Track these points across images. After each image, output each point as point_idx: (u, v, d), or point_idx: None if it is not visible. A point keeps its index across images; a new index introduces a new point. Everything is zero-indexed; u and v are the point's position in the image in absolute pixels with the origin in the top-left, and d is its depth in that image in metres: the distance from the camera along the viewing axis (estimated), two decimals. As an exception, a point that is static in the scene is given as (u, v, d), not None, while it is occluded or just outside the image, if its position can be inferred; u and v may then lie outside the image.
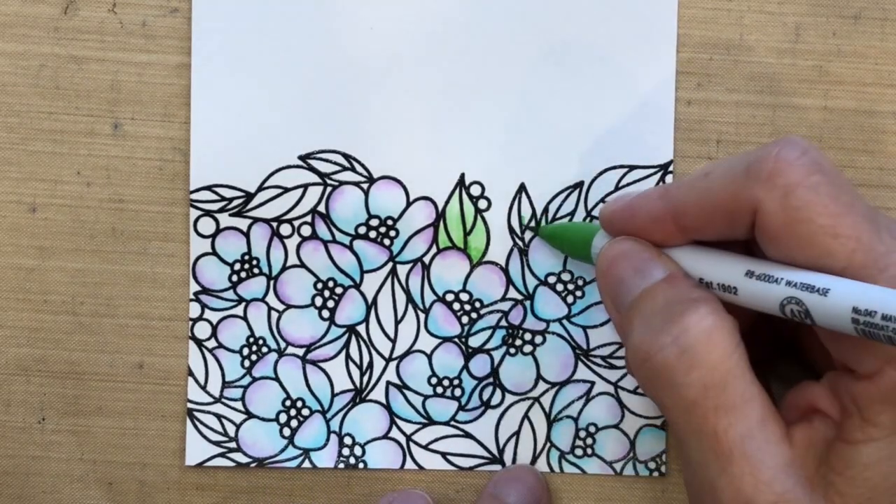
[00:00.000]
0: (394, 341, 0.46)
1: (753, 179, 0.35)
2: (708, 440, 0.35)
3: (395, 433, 0.46)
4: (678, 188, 0.38)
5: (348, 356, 0.46)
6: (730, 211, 0.36)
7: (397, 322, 0.46)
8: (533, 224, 0.45)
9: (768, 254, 0.36)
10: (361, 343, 0.45)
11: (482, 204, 0.45)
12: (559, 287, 0.45)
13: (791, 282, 0.35)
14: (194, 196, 0.45)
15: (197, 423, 0.45)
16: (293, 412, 0.46)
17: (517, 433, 0.46)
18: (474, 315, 0.45)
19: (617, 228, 0.40)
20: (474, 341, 0.46)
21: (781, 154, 0.35)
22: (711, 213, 0.37)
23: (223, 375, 0.46)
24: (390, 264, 0.45)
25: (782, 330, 0.42)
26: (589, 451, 0.46)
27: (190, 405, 0.46)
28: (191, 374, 0.46)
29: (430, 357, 0.46)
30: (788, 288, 0.35)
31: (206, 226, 0.45)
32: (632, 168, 0.45)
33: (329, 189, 0.45)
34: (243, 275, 0.45)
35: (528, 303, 0.45)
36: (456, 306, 0.45)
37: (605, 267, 0.40)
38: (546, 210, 0.45)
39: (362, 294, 0.45)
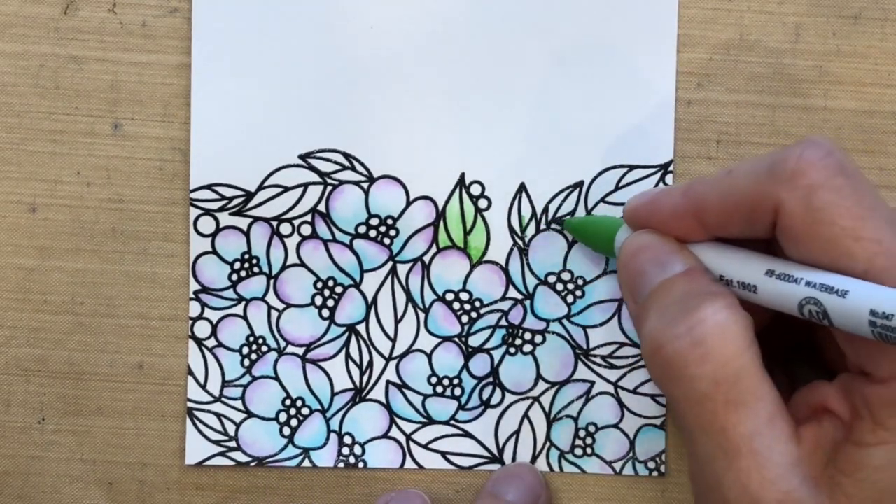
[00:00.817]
0: (394, 341, 0.46)
1: (776, 179, 0.35)
2: (716, 435, 0.35)
3: (394, 432, 0.46)
4: (701, 184, 0.38)
5: (348, 355, 0.46)
6: (751, 209, 0.36)
7: (397, 321, 0.46)
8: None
9: (788, 254, 0.36)
10: (361, 342, 0.46)
11: (482, 203, 0.45)
12: (559, 287, 0.45)
13: (810, 282, 0.35)
14: (194, 195, 0.45)
15: (197, 423, 0.46)
16: (293, 411, 0.46)
17: (517, 433, 0.46)
18: (474, 314, 0.45)
19: (640, 223, 0.40)
20: (474, 341, 0.46)
21: (805, 154, 0.35)
22: (733, 210, 0.37)
23: (223, 375, 0.46)
24: (390, 263, 0.45)
25: (797, 330, 0.42)
26: (589, 450, 0.46)
27: (190, 404, 0.46)
28: (191, 373, 0.46)
29: (429, 356, 0.46)
30: (807, 288, 0.35)
31: (206, 225, 0.45)
32: (632, 168, 0.45)
33: (329, 188, 0.45)
34: (243, 274, 0.45)
35: (527, 302, 0.45)
36: (456, 306, 0.45)
37: (626, 258, 0.40)
38: (546, 209, 0.45)
39: (362, 293, 0.45)
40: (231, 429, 0.46)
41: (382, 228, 0.45)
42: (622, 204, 0.45)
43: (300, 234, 0.45)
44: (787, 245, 0.36)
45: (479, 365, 0.46)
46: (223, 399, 0.46)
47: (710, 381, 0.35)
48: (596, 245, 0.44)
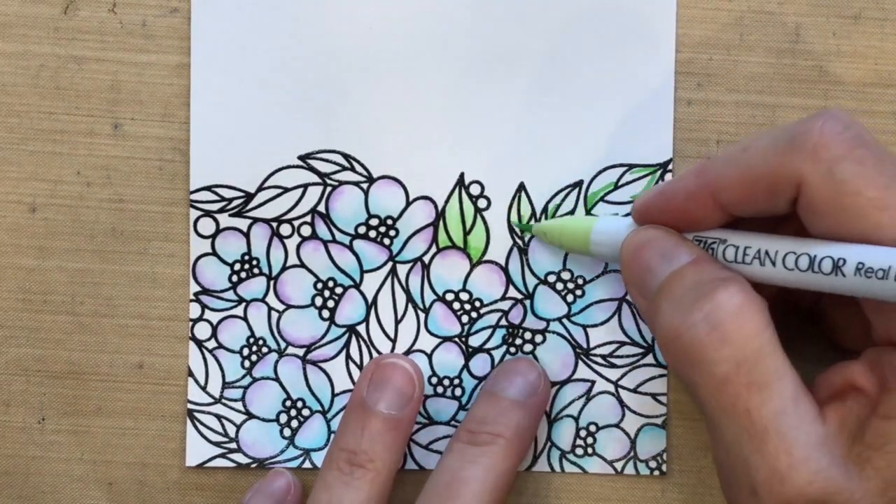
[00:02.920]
0: (394, 341, 0.46)
1: (797, 153, 0.35)
2: (740, 418, 0.35)
3: (395, 433, 0.46)
4: (715, 164, 0.38)
5: (348, 356, 0.45)
6: (771, 185, 0.36)
7: (397, 322, 0.45)
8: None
9: (811, 228, 0.36)
10: (362, 343, 0.45)
11: (482, 203, 0.45)
12: (559, 286, 0.45)
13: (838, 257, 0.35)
14: (194, 196, 0.45)
15: (197, 424, 0.45)
16: (293, 412, 0.46)
17: (517, 433, 0.46)
18: (474, 314, 0.45)
19: (653, 216, 0.40)
20: (474, 341, 0.46)
21: (826, 127, 0.35)
22: (752, 187, 0.37)
23: (223, 376, 0.46)
24: (390, 264, 0.45)
25: (803, 309, 0.42)
26: (589, 450, 0.45)
27: (190, 405, 0.46)
28: (191, 374, 0.45)
29: (430, 357, 0.45)
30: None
31: (206, 226, 0.45)
32: (631, 167, 0.45)
33: (329, 189, 0.45)
34: (243, 275, 0.45)
35: (527, 302, 0.45)
36: (456, 306, 0.45)
37: (630, 255, 0.40)
38: (546, 209, 0.45)
39: (362, 294, 0.45)
40: (231, 430, 0.46)
41: (382, 229, 0.45)
42: (622, 203, 0.45)
43: (300, 234, 0.45)
44: (811, 219, 0.36)
45: (480, 365, 0.46)
46: (223, 400, 0.46)
47: (731, 363, 0.35)
48: (571, 246, 0.44)
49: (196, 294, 0.45)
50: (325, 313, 0.45)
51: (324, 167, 0.45)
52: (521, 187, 0.45)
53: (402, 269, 0.45)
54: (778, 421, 0.35)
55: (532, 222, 0.45)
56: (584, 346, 0.45)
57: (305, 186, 0.45)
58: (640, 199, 0.41)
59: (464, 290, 0.45)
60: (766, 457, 0.35)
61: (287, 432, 0.46)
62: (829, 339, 0.43)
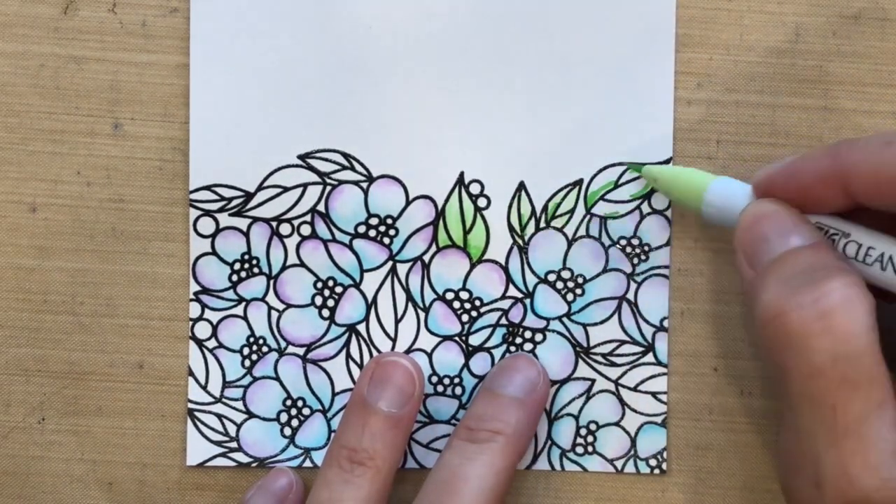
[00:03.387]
0: (394, 340, 0.46)
1: None
2: (824, 411, 0.35)
3: (395, 432, 0.46)
4: (852, 150, 0.38)
5: (349, 355, 0.46)
6: None
7: (397, 321, 0.45)
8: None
9: None
10: (362, 342, 0.45)
11: (482, 202, 0.45)
12: (559, 285, 0.45)
13: None
14: (194, 196, 0.45)
15: (198, 423, 0.45)
16: (294, 412, 0.46)
17: (518, 432, 0.46)
18: (474, 313, 0.45)
19: (776, 188, 0.40)
20: (475, 340, 0.46)
21: None
22: (888, 184, 0.37)
23: (223, 375, 0.46)
24: (390, 263, 0.45)
25: None
26: (590, 448, 0.45)
27: (190, 405, 0.46)
28: (191, 374, 0.45)
29: (430, 356, 0.45)
30: None
31: (206, 226, 0.45)
32: (631, 165, 0.45)
33: (328, 188, 0.45)
34: (243, 274, 0.45)
35: (527, 301, 0.45)
36: (456, 305, 0.45)
37: (748, 222, 0.40)
38: (546, 208, 0.45)
39: (362, 293, 0.45)
40: (232, 429, 0.46)
41: (382, 228, 0.45)
42: (621, 202, 0.45)
43: (300, 234, 0.45)
44: None
45: (480, 364, 0.46)
46: (224, 400, 0.46)
47: (829, 355, 0.35)
48: (679, 197, 0.44)
49: (196, 294, 0.45)
50: (325, 312, 0.45)
51: (323, 166, 0.45)
52: (521, 186, 0.45)
53: (402, 269, 0.45)
54: (860, 423, 0.35)
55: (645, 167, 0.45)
56: (585, 344, 0.45)
57: (305, 186, 0.45)
58: (765, 170, 0.40)
59: (464, 289, 0.45)
60: (841, 455, 0.35)
61: (287, 431, 0.46)
62: None
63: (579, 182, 0.45)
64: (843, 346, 0.35)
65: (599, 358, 0.45)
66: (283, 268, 0.45)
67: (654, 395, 0.45)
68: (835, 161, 0.38)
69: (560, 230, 0.45)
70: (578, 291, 0.45)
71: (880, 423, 0.35)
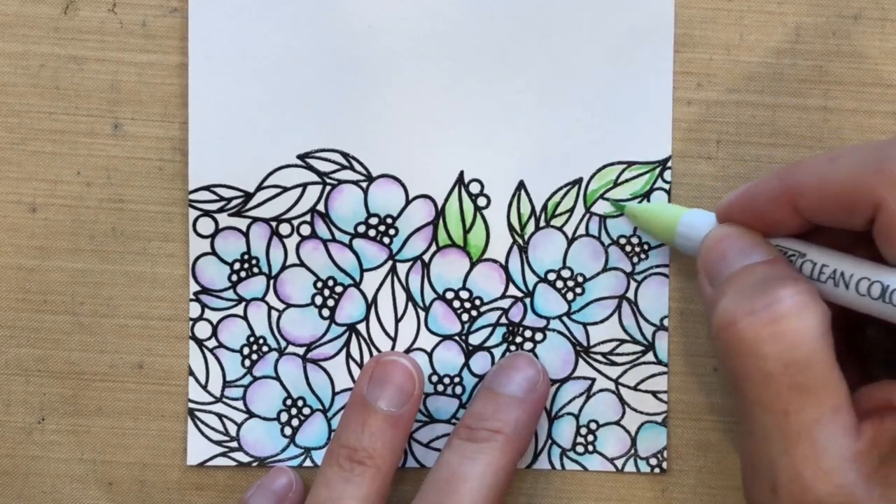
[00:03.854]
0: (394, 340, 0.46)
1: (881, 179, 0.35)
2: (776, 417, 0.35)
3: (395, 432, 0.46)
4: (798, 169, 0.38)
5: (349, 355, 0.46)
6: (850, 202, 0.36)
7: (397, 320, 0.45)
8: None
9: (884, 253, 0.36)
10: (362, 342, 0.45)
11: (481, 201, 0.45)
12: (559, 284, 0.45)
13: None
14: (193, 196, 0.45)
15: (198, 423, 0.45)
16: (294, 411, 0.46)
17: (518, 432, 0.46)
18: (474, 313, 0.45)
19: (735, 214, 0.40)
20: (475, 339, 0.46)
21: None
22: (831, 200, 0.37)
23: (224, 375, 0.46)
24: (390, 262, 0.45)
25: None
26: (590, 447, 0.45)
27: (191, 405, 0.46)
28: (191, 373, 0.45)
29: (430, 355, 0.45)
30: None
31: (206, 226, 0.45)
32: (630, 164, 0.45)
33: (328, 188, 0.45)
34: (243, 274, 0.45)
35: (528, 300, 0.45)
36: (456, 304, 0.45)
37: (710, 244, 0.40)
38: (545, 207, 0.45)
39: (362, 293, 0.45)
40: (232, 429, 0.46)
41: (382, 227, 0.45)
42: (621, 200, 0.45)
43: (299, 234, 0.45)
44: (883, 244, 0.36)
45: (480, 363, 0.46)
46: (224, 399, 0.46)
47: (780, 361, 0.35)
48: (655, 233, 0.44)
49: (196, 294, 0.45)
50: (325, 312, 0.45)
51: (323, 166, 0.45)
52: (521, 185, 0.45)
53: (401, 268, 0.45)
54: (813, 428, 0.35)
55: (624, 203, 0.45)
56: (585, 343, 0.45)
57: (304, 186, 0.45)
58: (725, 198, 0.41)
59: (464, 288, 0.45)
60: (794, 461, 0.35)
61: (288, 431, 0.46)
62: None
63: (579, 181, 0.45)
64: (794, 352, 0.35)
65: (599, 357, 0.45)
66: (283, 268, 0.45)
67: (654, 394, 0.45)
68: (783, 182, 0.38)
69: (560, 229, 0.45)
70: (578, 290, 0.45)
71: (834, 429, 0.35)
